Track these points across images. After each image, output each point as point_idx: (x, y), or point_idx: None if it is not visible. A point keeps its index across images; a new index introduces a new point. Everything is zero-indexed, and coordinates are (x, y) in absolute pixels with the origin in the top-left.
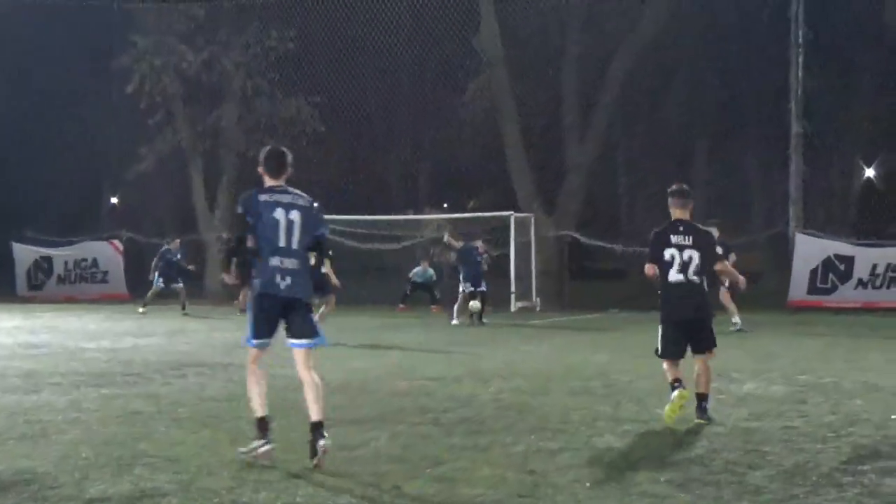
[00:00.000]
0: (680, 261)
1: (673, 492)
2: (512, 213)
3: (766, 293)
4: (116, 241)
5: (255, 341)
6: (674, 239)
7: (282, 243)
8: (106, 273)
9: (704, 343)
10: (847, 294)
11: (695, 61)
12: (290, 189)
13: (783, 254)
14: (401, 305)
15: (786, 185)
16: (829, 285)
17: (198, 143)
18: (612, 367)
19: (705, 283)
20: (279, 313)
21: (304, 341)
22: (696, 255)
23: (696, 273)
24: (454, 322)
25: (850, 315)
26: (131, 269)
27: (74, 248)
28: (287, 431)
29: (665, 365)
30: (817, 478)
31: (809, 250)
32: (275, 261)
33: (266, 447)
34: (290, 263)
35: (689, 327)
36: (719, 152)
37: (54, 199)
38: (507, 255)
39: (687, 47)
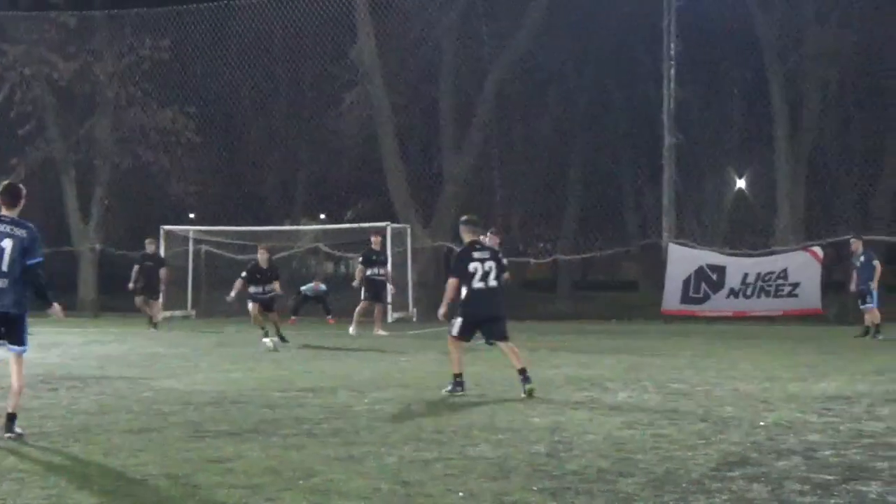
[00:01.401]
0: (482, 271)
1: (546, 500)
2: (389, 223)
3: (640, 303)
4: None
5: None
6: (476, 255)
7: None
8: None
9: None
10: (719, 303)
11: (568, 74)
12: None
13: (657, 264)
14: (292, 318)
15: (659, 196)
16: (701, 295)
17: (70, 153)
18: (487, 377)
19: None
20: None
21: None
22: (493, 266)
23: (494, 279)
24: (352, 331)
25: (723, 324)
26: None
27: None
28: (162, 445)
29: (454, 346)
30: (687, 484)
31: (682, 260)
32: None
33: None
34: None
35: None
36: (593, 163)
37: None
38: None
39: (561, 60)
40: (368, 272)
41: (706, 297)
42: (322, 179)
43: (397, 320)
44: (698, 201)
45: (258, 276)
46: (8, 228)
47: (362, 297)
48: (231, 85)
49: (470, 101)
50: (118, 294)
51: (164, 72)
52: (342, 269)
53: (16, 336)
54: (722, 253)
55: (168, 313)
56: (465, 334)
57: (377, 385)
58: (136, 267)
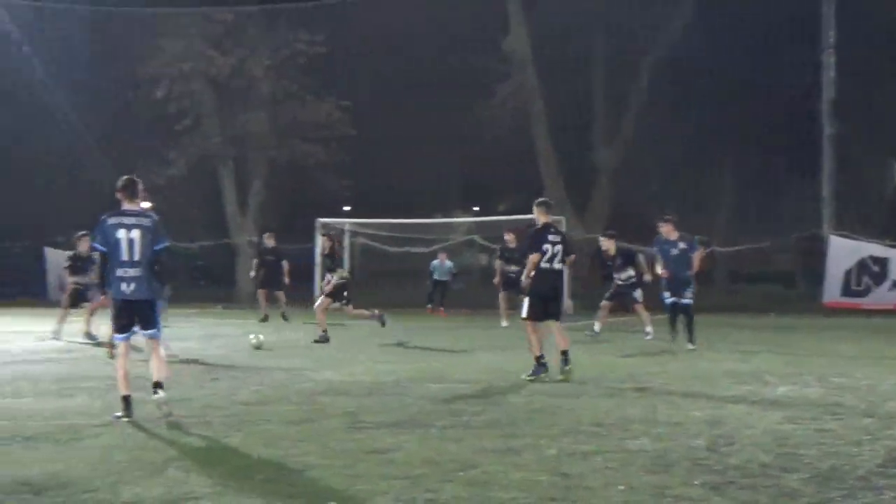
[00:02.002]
0: (551, 253)
1: (708, 495)
2: None
3: (799, 296)
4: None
5: None
6: (550, 237)
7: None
8: None
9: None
10: (882, 296)
11: (722, 64)
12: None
13: (816, 256)
14: (428, 307)
15: (816, 187)
16: (862, 287)
17: (228, 147)
18: (644, 370)
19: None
20: None
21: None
22: (560, 250)
23: (559, 262)
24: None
25: (884, 317)
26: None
27: None
28: (321, 436)
29: (529, 328)
30: (853, 481)
31: (844, 252)
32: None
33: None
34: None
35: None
36: (748, 155)
37: (83, 205)
38: None
39: (714, 48)
40: (505, 268)
41: (868, 290)
42: (475, 172)
43: None
44: (858, 192)
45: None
46: (135, 220)
47: (502, 289)
48: (384, 77)
49: (623, 91)
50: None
51: (319, 66)
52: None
53: (149, 321)
54: (885, 245)
55: None
56: (535, 314)
57: None
58: (254, 261)
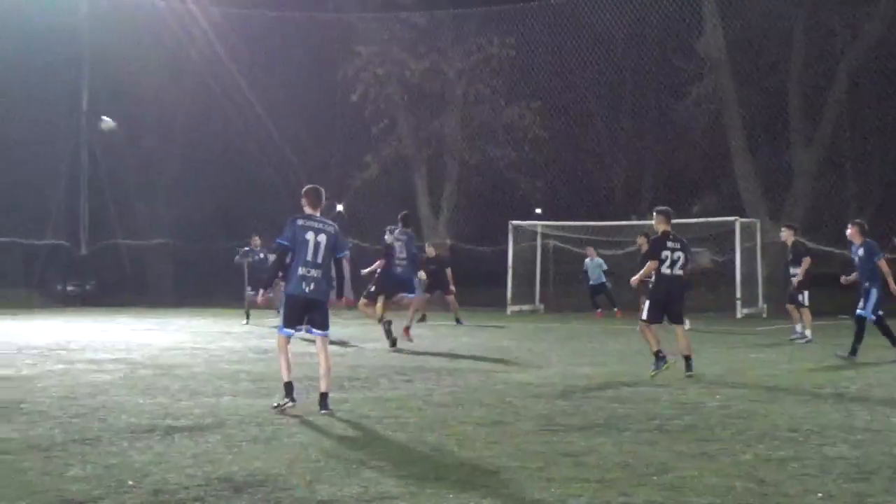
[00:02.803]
0: (671, 259)
1: None
2: (737, 218)
3: None
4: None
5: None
6: (669, 244)
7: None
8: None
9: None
10: None
11: None
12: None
13: None
14: (598, 311)
15: None
16: None
17: (421, 149)
18: (842, 375)
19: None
20: None
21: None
22: (682, 256)
23: (679, 268)
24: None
25: None
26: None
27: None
28: (514, 438)
29: (645, 330)
30: None
31: None
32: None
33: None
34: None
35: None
36: None
37: (275, 207)
38: (733, 262)
39: None
40: None
41: None
42: (668, 173)
43: (746, 316)
44: None
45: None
46: (321, 225)
47: None
48: (575, 79)
49: (820, 92)
50: (469, 288)
51: (511, 68)
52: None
53: (322, 321)
54: None
55: (517, 307)
56: (654, 317)
57: (727, 381)
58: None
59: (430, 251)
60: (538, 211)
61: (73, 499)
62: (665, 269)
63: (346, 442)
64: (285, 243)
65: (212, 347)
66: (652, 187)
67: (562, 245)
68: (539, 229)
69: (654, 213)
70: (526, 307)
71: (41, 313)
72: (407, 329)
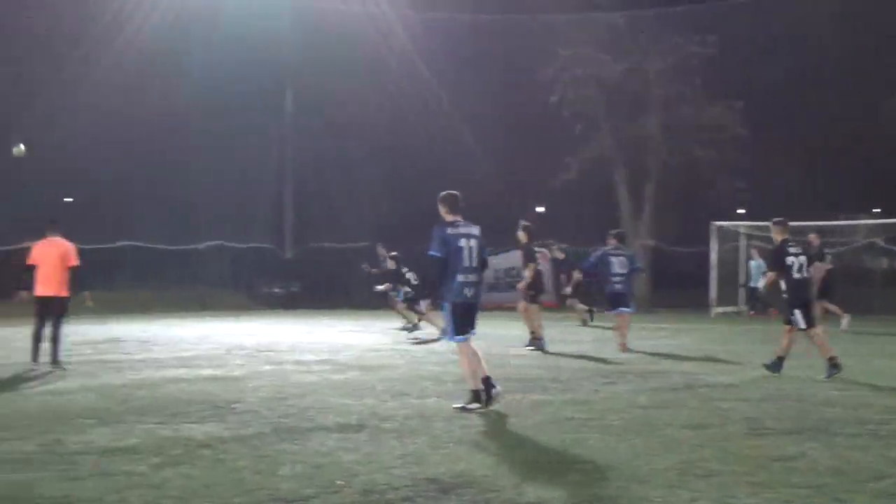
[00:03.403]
0: (797, 264)
1: None
2: None
3: None
4: (545, 250)
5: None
6: (791, 250)
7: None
8: None
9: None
10: None
11: None
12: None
13: None
14: (751, 312)
15: None
16: None
17: (621, 151)
18: None
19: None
20: None
21: None
22: (805, 260)
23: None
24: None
25: None
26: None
27: (500, 258)
28: (721, 441)
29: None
30: None
31: None
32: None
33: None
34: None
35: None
36: None
37: (484, 208)
38: None
39: None
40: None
41: None
42: (877, 171)
43: None
44: None
45: None
46: (467, 230)
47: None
48: (777, 76)
49: None
50: (670, 290)
51: (712, 67)
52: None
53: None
54: None
55: (720, 309)
56: (809, 320)
57: None
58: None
59: (558, 254)
60: (741, 211)
61: (285, 497)
62: (796, 275)
63: (551, 444)
64: (439, 255)
65: (414, 349)
66: (859, 186)
67: (767, 246)
68: (742, 230)
69: (772, 224)
70: (730, 309)
71: (248, 315)
72: (623, 345)
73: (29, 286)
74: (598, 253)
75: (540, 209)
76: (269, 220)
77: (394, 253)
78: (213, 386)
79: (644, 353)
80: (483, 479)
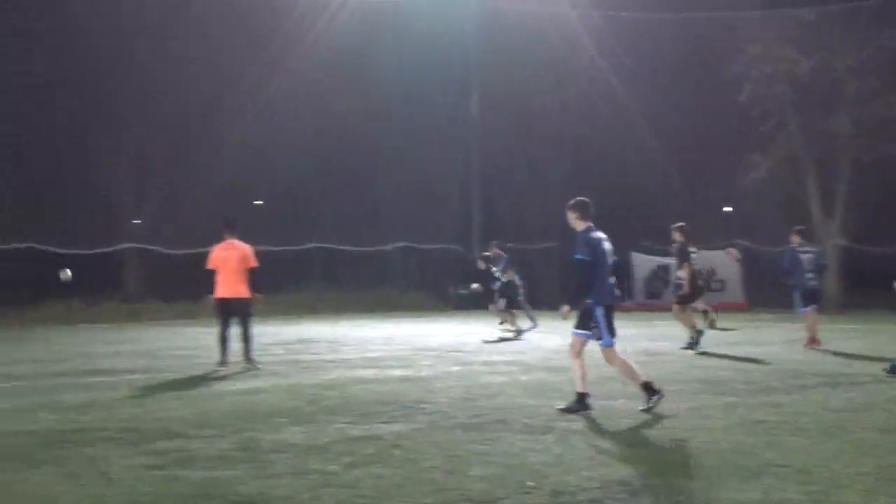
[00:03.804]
0: None
1: None
2: None
3: None
4: (733, 250)
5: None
6: None
7: None
8: (723, 282)
9: None
10: None
11: None
12: None
13: None
14: None
15: None
16: None
17: (812, 149)
18: None
19: None
20: None
21: None
22: None
23: None
24: None
25: None
26: (748, 278)
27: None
28: None
29: None
30: None
31: None
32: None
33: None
34: None
35: None
36: None
37: (669, 208)
38: None
39: None
40: None
41: None
42: None
43: None
44: None
45: None
46: (603, 234)
47: None
48: None
49: None
50: (864, 290)
51: None
52: None
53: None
54: None
55: None
56: None
57: None
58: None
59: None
60: None
61: (476, 498)
62: None
63: (743, 446)
64: (589, 259)
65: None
66: None
67: None
68: None
69: None
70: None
71: (435, 316)
72: (815, 339)
73: (210, 289)
74: (788, 253)
75: (727, 209)
76: (455, 221)
77: (486, 253)
78: (402, 386)
79: (835, 353)
80: (673, 482)
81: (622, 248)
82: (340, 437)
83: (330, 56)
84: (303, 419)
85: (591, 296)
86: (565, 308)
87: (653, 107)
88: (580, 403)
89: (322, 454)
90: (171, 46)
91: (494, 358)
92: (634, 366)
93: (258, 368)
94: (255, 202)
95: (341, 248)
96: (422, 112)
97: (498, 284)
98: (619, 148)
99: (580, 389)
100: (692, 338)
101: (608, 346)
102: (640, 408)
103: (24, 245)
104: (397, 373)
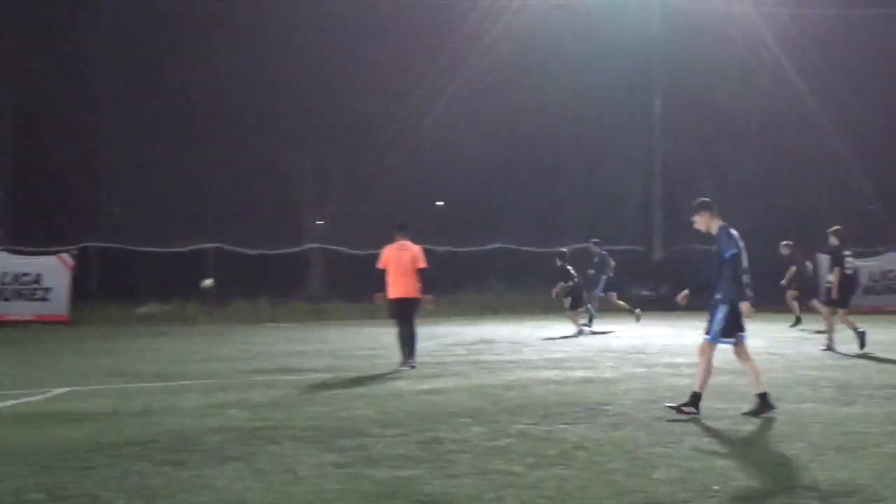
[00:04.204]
0: None
1: None
2: None
3: None
4: None
5: None
6: None
7: None
8: None
9: None
10: None
11: None
12: None
13: None
14: None
15: None
16: None
17: None
18: None
19: None
20: None
21: None
22: None
23: None
24: None
25: None
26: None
27: (879, 259)
28: None
29: None
30: None
31: None
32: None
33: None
34: None
35: None
36: None
37: (855, 209)
38: None
39: None
40: None
41: None
42: None
43: None
44: None
45: None
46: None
47: None
48: None
49: None
50: None
51: None
52: None
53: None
54: None
55: None
56: None
57: None
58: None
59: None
60: None
61: (660, 501)
62: None
63: None
64: (737, 251)
65: (789, 353)
66: None
67: None
68: None
69: None
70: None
71: (616, 316)
72: None
73: (381, 289)
74: None
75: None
76: (637, 222)
77: (563, 250)
78: (584, 388)
79: None
80: (866, 488)
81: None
82: (523, 437)
83: (511, 56)
84: (485, 419)
85: (723, 293)
86: (746, 306)
87: (842, 106)
88: (764, 404)
89: (505, 454)
90: (351, 50)
91: (678, 360)
92: (707, 374)
93: (413, 367)
94: (437, 203)
95: (523, 248)
96: (603, 112)
97: (571, 283)
98: (806, 146)
99: (759, 390)
100: (858, 338)
101: (711, 343)
102: (744, 411)
103: (212, 245)
104: (579, 374)
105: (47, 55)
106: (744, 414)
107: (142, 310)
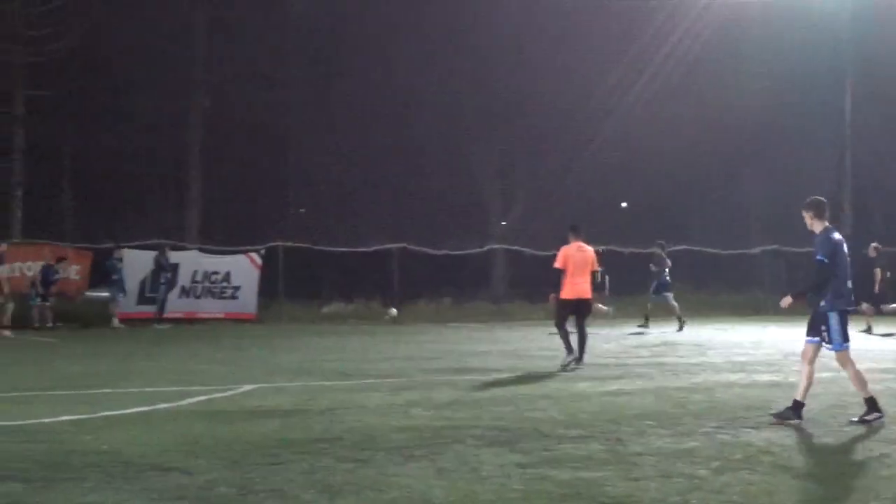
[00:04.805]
0: None
1: None
2: None
3: None
4: None
5: None
6: None
7: None
8: None
9: None
10: None
11: None
12: None
13: None
14: None
15: None
16: None
17: None
18: None
19: None
20: None
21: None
22: None
23: None
24: None
25: None
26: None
27: None
28: None
29: None
30: None
31: None
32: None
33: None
34: None
35: None
36: None
37: None
38: None
39: None
40: None
41: None
42: None
43: None
44: None
45: None
46: (840, 236)
47: None
48: None
49: None
50: None
51: None
52: None
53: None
54: None
55: None
56: None
57: None
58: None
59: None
60: None
61: None
62: None
63: None
64: (827, 261)
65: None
66: None
67: None
68: None
69: None
70: None
71: (804, 320)
72: None
73: (556, 289)
74: None
75: None
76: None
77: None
78: (770, 392)
79: None
80: None
81: None
82: (708, 441)
83: (696, 55)
84: (669, 422)
85: (826, 301)
86: (787, 299)
87: None
88: (795, 412)
89: (689, 458)
90: (538, 51)
91: (868, 365)
92: (861, 380)
93: (578, 367)
94: (621, 204)
95: (707, 250)
96: (792, 109)
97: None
98: None
99: (798, 398)
100: None
101: (841, 351)
102: (853, 419)
103: (396, 245)
104: (765, 378)
105: (238, 59)
106: (851, 421)
107: (327, 309)
